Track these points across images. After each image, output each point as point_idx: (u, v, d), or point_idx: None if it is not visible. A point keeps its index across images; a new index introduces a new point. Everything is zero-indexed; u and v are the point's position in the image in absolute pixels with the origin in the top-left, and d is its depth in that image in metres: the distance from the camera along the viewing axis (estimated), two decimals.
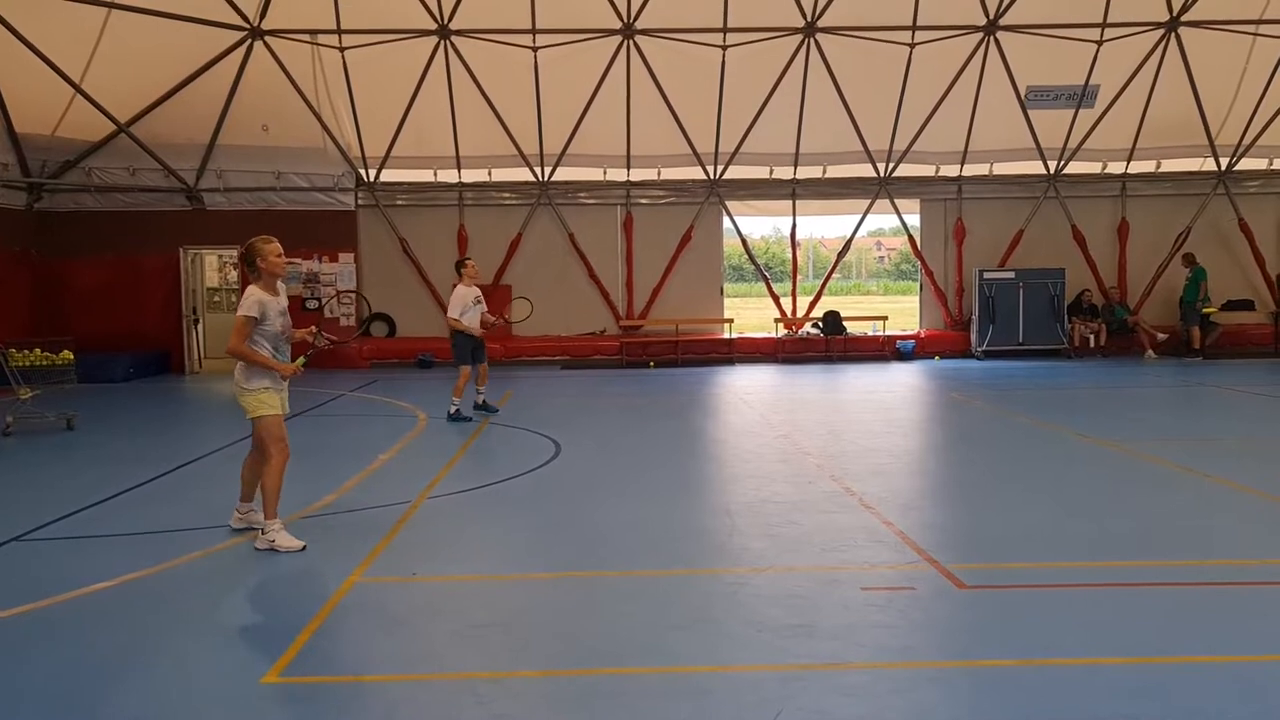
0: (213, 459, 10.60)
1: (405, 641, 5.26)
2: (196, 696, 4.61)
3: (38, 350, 13.19)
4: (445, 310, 20.40)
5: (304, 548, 6.90)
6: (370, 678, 4.80)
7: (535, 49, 19.02)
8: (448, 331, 13.13)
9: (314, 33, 18.65)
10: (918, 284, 23.03)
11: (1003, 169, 21.26)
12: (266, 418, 7.06)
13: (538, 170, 20.47)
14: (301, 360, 7.31)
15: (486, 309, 13.09)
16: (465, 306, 12.76)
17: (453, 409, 12.72)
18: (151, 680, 4.81)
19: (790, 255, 22.69)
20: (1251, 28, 19.18)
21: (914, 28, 19.08)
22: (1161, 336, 20.39)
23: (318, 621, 5.45)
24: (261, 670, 4.79)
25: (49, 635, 5.39)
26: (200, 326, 20.72)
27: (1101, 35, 19.21)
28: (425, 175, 20.80)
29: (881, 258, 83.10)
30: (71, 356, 13.20)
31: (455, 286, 13.04)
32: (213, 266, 22.27)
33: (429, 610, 5.77)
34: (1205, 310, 20.21)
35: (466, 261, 13.14)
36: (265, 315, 6.88)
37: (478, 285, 13.07)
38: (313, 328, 7.48)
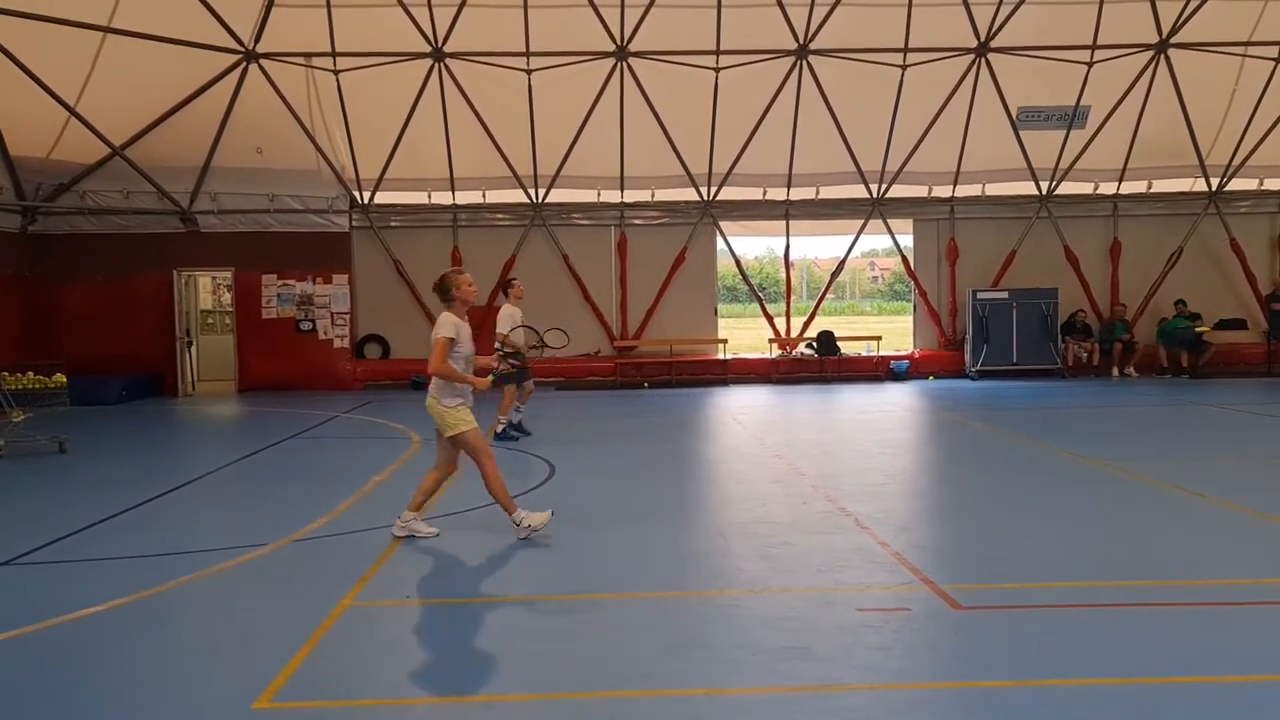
0: (205, 482, 10.57)
1: (398, 665, 5.23)
2: None
3: (30, 373, 13.15)
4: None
5: (551, 514, 7.69)
6: (363, 702, 4.76)
7: (529, 71, 19.10)
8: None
9: (309, 56, 18.70)
10: (911, 304, 23.08)
11: (995, 189, 21.36)
12: (467, 433, 7.54)
13: (532, 192, 20.51)
14: (490, 376, 7.96)
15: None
16: (515, 324, 12.78)
17: (499, 427, 12.77)
18: (143, 705, 4.77)
19: (784, 276, 22.72)
20: (1240, 49, 19.32)
21: (905, 50, 19.20)
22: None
23: (310, 646, 5.42)
24: (254, 695, 4.75)
25: (39, 660, 5.35)
26: (194, 349, 20.68)
27: (1092, 57, 19.34)
28: (419, 197, 20.83)
29: (875, 278, 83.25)
30: (64, 379, 13.16)
31: (487, 307, 12.98)
32: (206, 289, 22.25)
33: (422, 634, 5.74)
34: (1199, 330, 20.28)
35: (513, 282, 13.21)
36: (459, 337, 7.51)
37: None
38: (496, 352, 8.03)
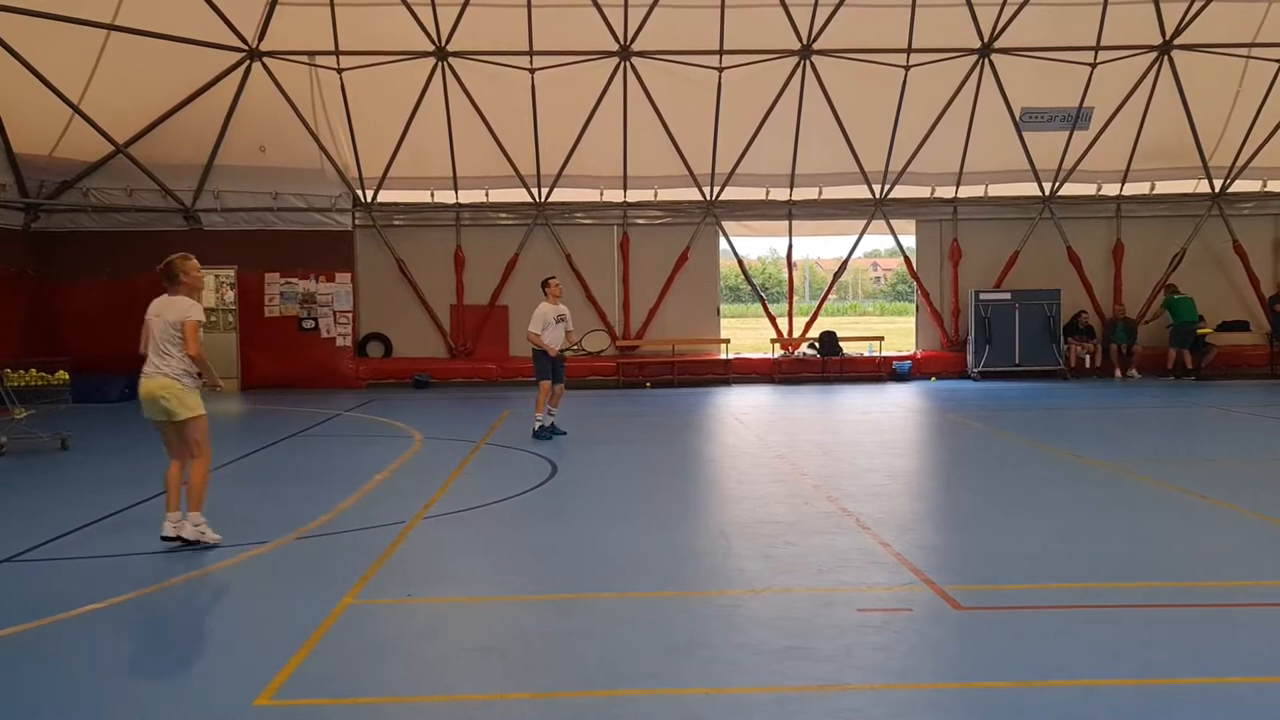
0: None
1: (399, 664, 5.23)
2: (189, 719, 4.58)
3: (33, 370, 13.16)
4: (445, 333, 20.65)
5: (219, 541, 7.42)
6: (364, 700, 4.76)
7: (532, 70, 19.10)
8: (529, 349, 13.01)
9: (312, 54, 18.70)
10: (914, 305, 23.07)
11: (998, 190, 21.33)
12: (201, 419, 7.60)
13: (535, 191, 20.51)
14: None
15: (572, 327, 13.09)
16: (546, 324, 12.70)
17: (536, 425, 12.72)
18: (145, 702, 4.78)
19: (786, 276, 22.72)
20: (1244, 50, 19.29)
21: (909, 50, 19.18)
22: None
23: (311, 644, 5.42)
24: (254, 693, 4.74)
25: (41, 657, 5.35)
26: None
27: (1095, 58, 19.31)
28: (422, 196, 20.83)
29: (878, 278, 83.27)
30: (66, 377, 13.17)
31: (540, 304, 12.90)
32: (209, 287, 22.23)
33: (423, 632, 5.74)
34: (1200, 331, 20.26)
35: (551, 280, 13.09)
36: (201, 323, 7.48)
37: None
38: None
